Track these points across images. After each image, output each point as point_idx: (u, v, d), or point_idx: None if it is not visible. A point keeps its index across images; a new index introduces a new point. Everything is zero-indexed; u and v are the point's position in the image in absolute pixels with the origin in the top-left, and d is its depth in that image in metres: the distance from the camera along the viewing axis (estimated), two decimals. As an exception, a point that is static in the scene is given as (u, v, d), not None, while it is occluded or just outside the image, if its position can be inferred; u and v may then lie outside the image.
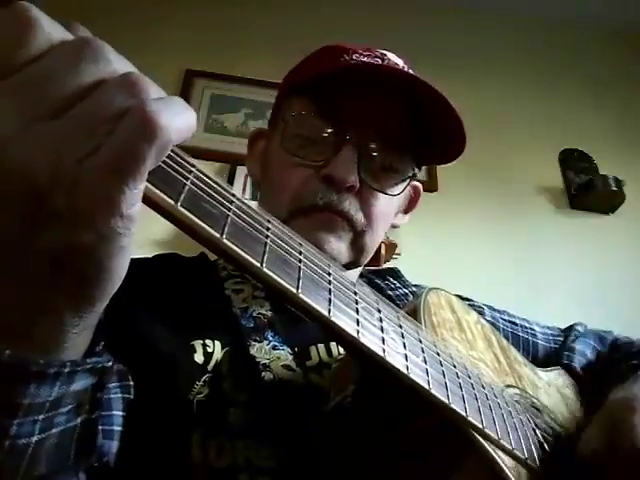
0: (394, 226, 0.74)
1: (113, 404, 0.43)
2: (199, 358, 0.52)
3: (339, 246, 0.61)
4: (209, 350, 0.53)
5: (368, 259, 0.68)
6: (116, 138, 0.22)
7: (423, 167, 0.74)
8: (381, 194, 0.63)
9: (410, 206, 0.76)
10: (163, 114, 0.23)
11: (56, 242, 0.23)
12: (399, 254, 1.70)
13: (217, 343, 0.54)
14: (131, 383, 0.46)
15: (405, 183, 0.66)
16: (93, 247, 0.23)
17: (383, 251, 1.55)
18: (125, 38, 2.09)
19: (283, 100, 0.68)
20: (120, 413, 0.43)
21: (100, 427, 0.35)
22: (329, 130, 0.61)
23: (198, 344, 0.53)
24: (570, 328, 0.83)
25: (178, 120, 0.24)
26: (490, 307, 0.79)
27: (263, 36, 2.16)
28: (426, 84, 0.58)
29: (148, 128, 0.23)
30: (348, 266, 0.64)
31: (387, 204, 0.65)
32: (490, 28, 2.32)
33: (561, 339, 0.80)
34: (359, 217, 0.61)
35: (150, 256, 0.68)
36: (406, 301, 0.71)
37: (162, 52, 2.03)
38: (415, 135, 0.65)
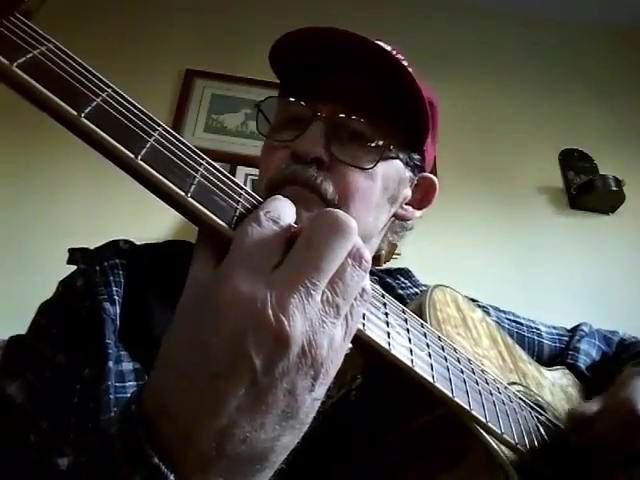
0: (400, 218, 0.70)
1: None
2: None
3: None
4: None
5: None
6: (356, 313, 0.29)
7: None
8: (356, 169, 0.59)
9: (423, 201, 0.72)
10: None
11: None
12: (399, 254, 1.70)
13: None
14: None
15: (378, 156, 0.60)
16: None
17: (383, 251, 1.55)
18: (126, 38, 2.10)
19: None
20: None
21: None
22: (301, 109, 0.60)
23: None
24: (575, 328, 0.83)
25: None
26: (495, 308, 0.79)
27: (263, 36, 2.14)
28: (386, 52, 0.57)
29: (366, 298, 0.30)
30: None
31: (364, 180, 0.60)
32: (490, 28, 2.33)
33: (567, 339, 0.80)
34: (327, 187, 0.58)
35: (161, 242, 0.65)
36: None
37: (162, 52, 2.03)
38: (391, 112, 0.62)
